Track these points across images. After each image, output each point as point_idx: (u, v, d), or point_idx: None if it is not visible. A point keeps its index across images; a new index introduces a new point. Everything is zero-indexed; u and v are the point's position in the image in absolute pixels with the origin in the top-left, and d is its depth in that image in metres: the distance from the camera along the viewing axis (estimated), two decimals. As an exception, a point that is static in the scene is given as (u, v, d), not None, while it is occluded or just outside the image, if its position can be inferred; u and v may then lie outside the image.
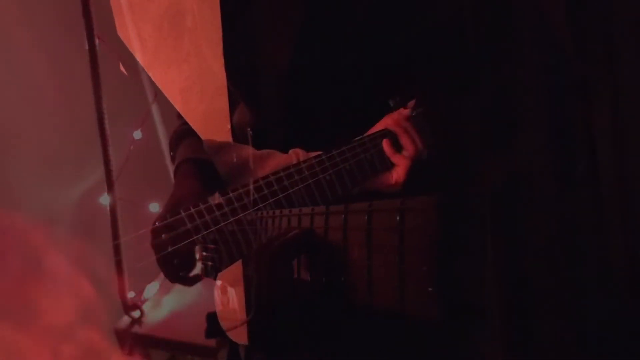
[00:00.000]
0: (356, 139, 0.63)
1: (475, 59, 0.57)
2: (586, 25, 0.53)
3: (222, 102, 0.91)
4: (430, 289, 0.29)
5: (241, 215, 0.65)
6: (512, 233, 0.51)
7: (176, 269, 0.75)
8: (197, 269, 0.82)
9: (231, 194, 0.65)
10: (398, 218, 0.32)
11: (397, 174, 0.65)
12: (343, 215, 0.38)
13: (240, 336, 0.71)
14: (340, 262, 0.38)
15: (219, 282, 0.99)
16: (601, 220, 0.55)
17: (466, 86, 0.59)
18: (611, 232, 0.55)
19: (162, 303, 1.47)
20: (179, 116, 0.91)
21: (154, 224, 0.73)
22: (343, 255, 0.38)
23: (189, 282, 0.78)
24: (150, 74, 0.86)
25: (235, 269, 0.74)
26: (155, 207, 1.50)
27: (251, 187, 0.61)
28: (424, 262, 0.30)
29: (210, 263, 0.78)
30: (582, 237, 0.56)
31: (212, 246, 0.76)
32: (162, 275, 1.57)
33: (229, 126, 0.83)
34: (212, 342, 1.21)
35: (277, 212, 0.52)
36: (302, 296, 0.41)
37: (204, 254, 0.81)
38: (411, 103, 0.63)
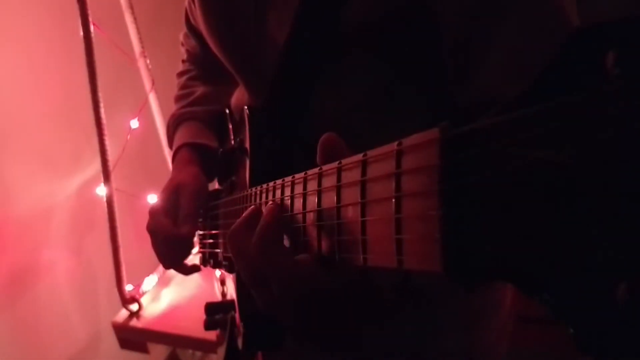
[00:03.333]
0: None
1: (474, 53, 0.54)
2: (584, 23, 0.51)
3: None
4: (436, 236, 0.23)
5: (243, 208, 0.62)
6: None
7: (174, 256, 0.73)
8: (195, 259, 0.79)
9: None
10: (394, 162, 0.27)
11: None
12: (336, 174, 0.33)
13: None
14: (333, 228, 0.33)
15: (218, 273, 0.96)
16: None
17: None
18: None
19: (161, 296, 1.45)
20: (177, 99, 0.88)
21: (153, 208, 0.71)
22: (337, 219, 0.33)
23: (187, 270, 0.76)
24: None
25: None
26: (153, 198, 1.47)
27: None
28: (426, 208, 0.24)
29: (207, 250, 0.75)
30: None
31: (212, 231, 0.73)
32: (160, 268, 1.55)
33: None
34: (212, 336, 1.19)
35: (270, 184, 0.45)
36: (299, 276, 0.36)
37: (203, 241, 0.79)
38: None
